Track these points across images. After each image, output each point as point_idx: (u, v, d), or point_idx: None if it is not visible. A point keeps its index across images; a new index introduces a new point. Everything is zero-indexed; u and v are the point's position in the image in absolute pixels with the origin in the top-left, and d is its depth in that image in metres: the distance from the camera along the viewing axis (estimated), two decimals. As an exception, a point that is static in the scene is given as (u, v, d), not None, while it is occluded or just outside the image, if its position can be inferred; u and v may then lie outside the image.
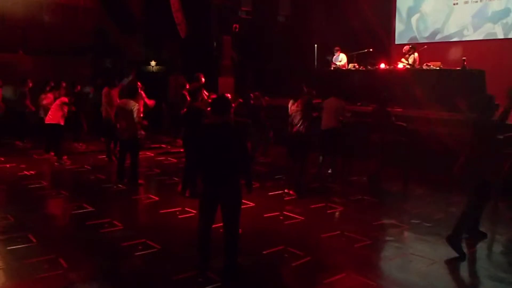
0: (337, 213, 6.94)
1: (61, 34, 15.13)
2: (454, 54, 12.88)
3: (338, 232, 6.12)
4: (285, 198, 7.49)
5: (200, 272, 4.68)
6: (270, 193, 7.83)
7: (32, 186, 8.20)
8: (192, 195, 7.17)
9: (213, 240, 4.74)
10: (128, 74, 13.15)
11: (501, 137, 6.13)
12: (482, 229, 5.95)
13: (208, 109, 6.39)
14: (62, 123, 9.99)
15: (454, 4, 14.08)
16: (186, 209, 6.81)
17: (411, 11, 15.31)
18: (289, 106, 8.65)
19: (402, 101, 10.82)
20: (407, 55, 12.45)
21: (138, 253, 5.30)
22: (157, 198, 7.53)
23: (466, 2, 13.79)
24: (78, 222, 6.48)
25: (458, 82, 10.93)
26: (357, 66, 13.40)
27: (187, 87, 10.45)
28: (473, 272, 5.30)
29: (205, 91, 8.62)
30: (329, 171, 8.99)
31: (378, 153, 8.22)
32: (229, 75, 15.51)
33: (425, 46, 12.85)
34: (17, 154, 11.06)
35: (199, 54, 15.44)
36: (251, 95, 10.41)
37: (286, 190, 7.75)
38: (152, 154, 11.15)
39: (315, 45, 14.41)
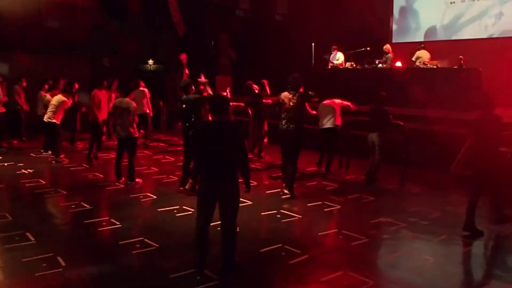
0: (334, 211, 6.95)
1: (60, 33, 15.13)
2: (452, 52, 12.90)
3: (335, 230, 6.16)
4: (282, 197, 7.51)
5: (197, 270, 4.70)
6: (268, 191, 7.85)
7: (30, 184, 8.21)
8: (192, 189, 7.18)
9: (210, 238, 4.76)
10: (136, 83, 11.47)
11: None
12: (478, 227, 5.97)
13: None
14: (58, 122, 9.97)
15: (451, 3, 14.12)
16: (184, 207, 6.83)
17: (408, 10, 15.34)
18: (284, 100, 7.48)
19: (399, 100, 10.84)
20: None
21: (136, 252, 5.31)
22: (154, 197, 7.54)
23: (463, 1, 13.83)
24: (76, 220, 6.48)
25: (455, 80, 10.97)
26: (354, 65, 13.42)
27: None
28: (469, 270, 5.33)
29: (209, 89, 8.57)
30: (323, 169, 9.06)
31: (375, 151, 8.24)
32: (227, 73, 15.53)
33: (422, 45, 12.88)
34: (15, 152, 11.05)
35: (196, 52, 15.45)
36: (254, 85, 10.34)
37: (283, 190, 7.74)
38: (150, 153, 11.17)
39: (313, 44, 14.40)
